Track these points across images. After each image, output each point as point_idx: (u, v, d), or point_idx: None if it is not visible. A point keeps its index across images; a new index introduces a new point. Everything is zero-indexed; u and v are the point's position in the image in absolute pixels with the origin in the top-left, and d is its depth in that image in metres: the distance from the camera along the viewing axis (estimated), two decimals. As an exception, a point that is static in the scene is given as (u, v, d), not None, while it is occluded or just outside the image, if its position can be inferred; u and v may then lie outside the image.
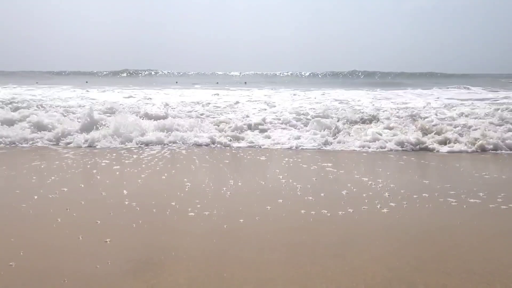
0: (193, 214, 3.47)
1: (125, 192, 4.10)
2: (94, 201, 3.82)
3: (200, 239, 2.96)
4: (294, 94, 13.82)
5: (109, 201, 3.83)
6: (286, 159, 5.90)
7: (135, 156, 5.99)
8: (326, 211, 3.54)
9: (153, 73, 64.30)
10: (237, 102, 10.49)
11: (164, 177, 4.76)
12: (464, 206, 3.72)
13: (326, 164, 5.49)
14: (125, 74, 57.57)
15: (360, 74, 57.16)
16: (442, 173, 5.25)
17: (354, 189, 4.25)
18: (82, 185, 4.47)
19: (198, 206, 3.67)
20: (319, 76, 60.87)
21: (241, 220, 3.33)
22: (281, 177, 4.75)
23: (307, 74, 65.55)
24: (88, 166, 5.34)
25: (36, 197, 3.86)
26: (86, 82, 23.81)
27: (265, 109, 9.64)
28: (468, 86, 19.30)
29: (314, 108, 9.29)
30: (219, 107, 9.80)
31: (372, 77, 50.59)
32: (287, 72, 70.33)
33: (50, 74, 51.02)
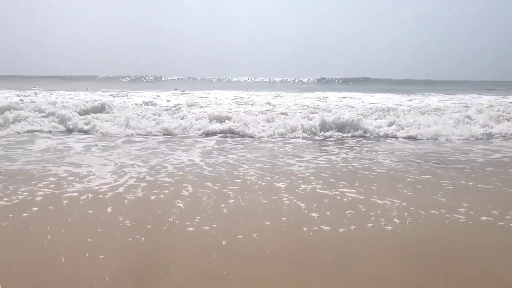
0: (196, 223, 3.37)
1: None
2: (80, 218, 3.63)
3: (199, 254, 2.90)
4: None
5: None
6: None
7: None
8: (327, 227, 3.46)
9: (151, 78, 64.69)
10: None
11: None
12: (470, 223, 3.60)
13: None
14: (126, 79, 57.95)
15: (362, 80, 58.12)
16: (461, 189, 4.76)
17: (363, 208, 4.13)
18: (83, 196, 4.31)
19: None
20: (314, 81, 61.82)
21: (240, 237, 3.26)
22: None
23: (307, 80, 66.30)
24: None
25: (11, 215, 3.62)
26: (86, 88, 23.65)
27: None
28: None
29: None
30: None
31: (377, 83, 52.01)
32: (288, 78, 70.88)
33: (51, 78, 51.12)
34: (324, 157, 6.50)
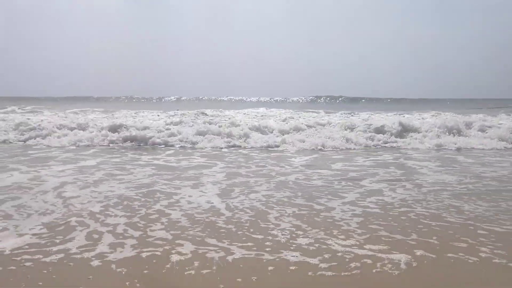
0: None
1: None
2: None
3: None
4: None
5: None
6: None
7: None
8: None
9: (155, 100, 64.39)
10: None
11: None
12: (478, 263, 3.08)
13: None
14: (127, 100, 57.52)
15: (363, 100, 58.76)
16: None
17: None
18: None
19: None
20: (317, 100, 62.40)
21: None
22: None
23: (307, 99, 66.63)
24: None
25: None
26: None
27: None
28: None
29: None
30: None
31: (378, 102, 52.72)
32: (289, 98, 71.13)
33: (52, 100, 50.44)
34: (377, 197, 4.95)
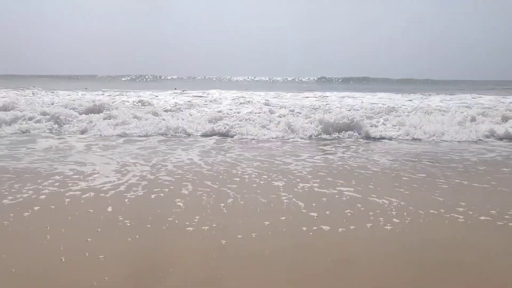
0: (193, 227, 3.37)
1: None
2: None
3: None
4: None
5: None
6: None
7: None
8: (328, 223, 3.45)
9: (151, 77, 64.63)
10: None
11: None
12: (469, 222, 3.58)
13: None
14: (126, 79, 57.74)
15: (362, 79, 58.76)
16: (457, 188, 4.74)
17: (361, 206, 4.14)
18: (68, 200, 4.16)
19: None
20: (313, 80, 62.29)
21: (240, 236, 3.25)
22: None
23: (306, 79, 66.57)
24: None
25: (12, 214, 3.58)
26: (86, 88, 23.50)
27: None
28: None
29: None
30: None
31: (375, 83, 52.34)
32: (288, 77, 71.08)
33: (50, 78, 50.96)
34: (321, 156, 6.49)
